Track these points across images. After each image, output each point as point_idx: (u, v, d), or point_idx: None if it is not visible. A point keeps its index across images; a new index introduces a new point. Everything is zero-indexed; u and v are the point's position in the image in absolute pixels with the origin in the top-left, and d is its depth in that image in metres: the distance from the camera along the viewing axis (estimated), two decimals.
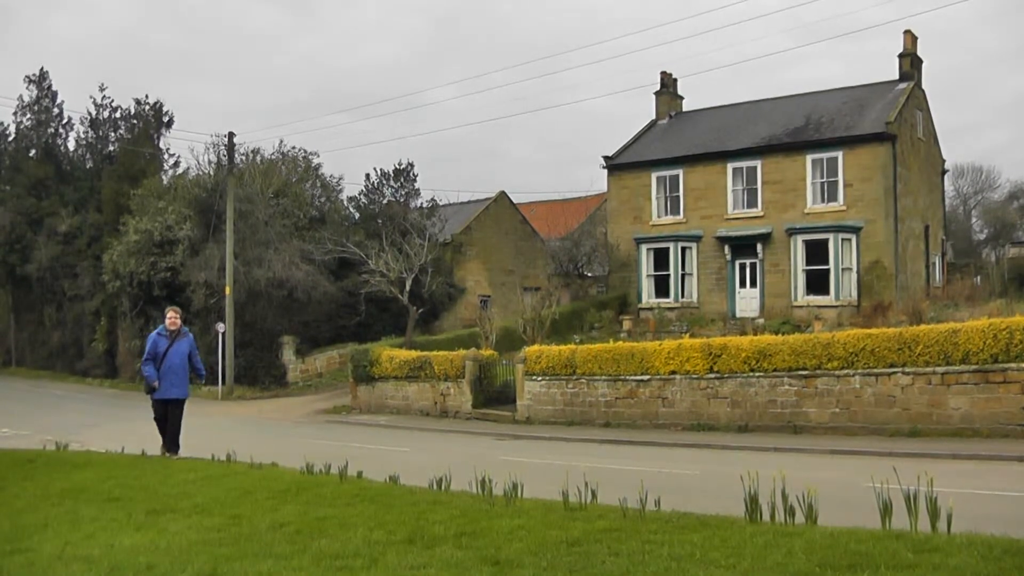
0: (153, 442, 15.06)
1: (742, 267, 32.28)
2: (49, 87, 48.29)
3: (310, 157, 40.53)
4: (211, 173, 37.89)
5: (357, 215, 40.90)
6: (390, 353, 26.80)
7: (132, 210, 37.48)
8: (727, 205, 32.65)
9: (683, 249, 32.99)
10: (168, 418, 12.83)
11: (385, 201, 40.42)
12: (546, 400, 21.74)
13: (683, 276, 32.97)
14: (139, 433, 18.37)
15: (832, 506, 7.01)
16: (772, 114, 34.25)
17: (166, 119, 45.24)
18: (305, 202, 38.12)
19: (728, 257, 32.38)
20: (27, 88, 48.18)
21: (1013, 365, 15.32)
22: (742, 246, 32.09)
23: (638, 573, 5.04)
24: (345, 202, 41.49)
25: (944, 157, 37.30)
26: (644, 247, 33.72)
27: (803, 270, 30.38)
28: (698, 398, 19.12)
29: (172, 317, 12.89)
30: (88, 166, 46.50)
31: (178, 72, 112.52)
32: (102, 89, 45.88)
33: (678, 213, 33.77)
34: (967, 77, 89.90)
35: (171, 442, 12.84)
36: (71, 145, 48.19)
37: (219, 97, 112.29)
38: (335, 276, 36.18)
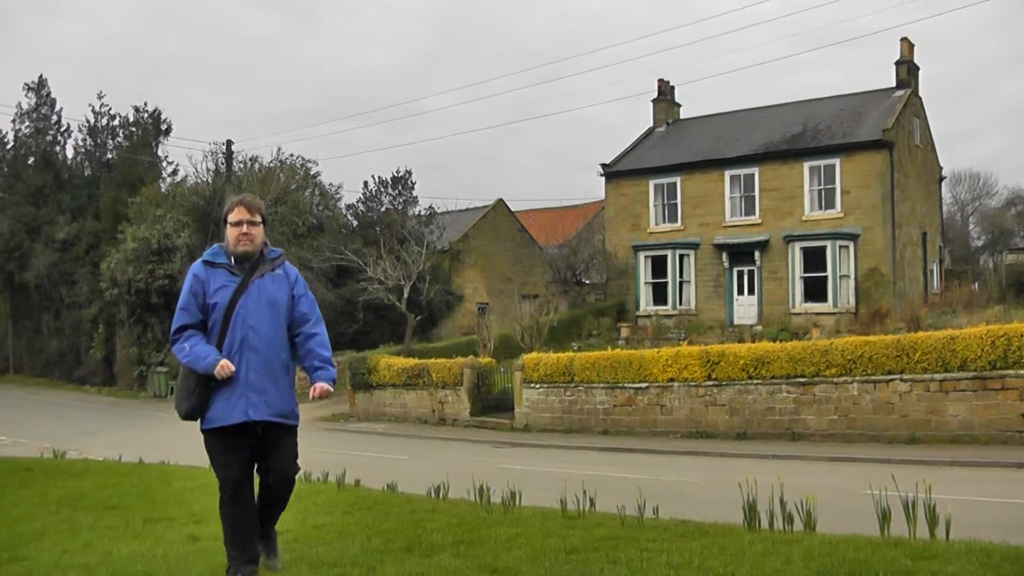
0: (152, 448, 15.01)
1: (740, 274, 32.30)
2: (48, 94, 48.35)
3: (308, 165, 40.50)
4: (209, 181, 37.90)
5: (355, 223, 40.88)
6: (388, 361, 26.78)
7: (130, 218, 37.46)
8: (725, 212, 32.68)
9: (681, 257, 33.01)
10: (262, 485, 5.22)
11: (383, 209, 40.42)
12: (544, 408, 21.72)
13: (681, 283, 32.99)
14: (137, 441, 18.37)
15: (830, 513, 7.01)
16: (769, 121, 34.33)
17: (164, 127, 45.29)
18: (303, 210, 38.11)
19: (726, 264, 32.41)
20: (26, 95, 48.28)
21: (1011, 372, 15.34)
22: (740, 253, 32.11)
23: None
24: (343, 210, 41.49)
25: (941, 164, 37.39)
26: (642, 255, 33.74)
27: (801, 277, 30.41)
28: (696, 405, 19.11)
29: (241, 221, 5.09)
30: (86, 174, 46.52)
31: (177, 79, 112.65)
32: (100, 96, 46.21)
33: (676, 221, 33.80)
34: (964, 84, 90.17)
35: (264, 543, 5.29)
36: (69, 153, 48.28)
37: (218, 104, 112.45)
38: (333, 284, 36.17)
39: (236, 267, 5.11)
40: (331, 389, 5.18)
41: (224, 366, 4.88)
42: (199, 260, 5.24)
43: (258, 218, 5.13)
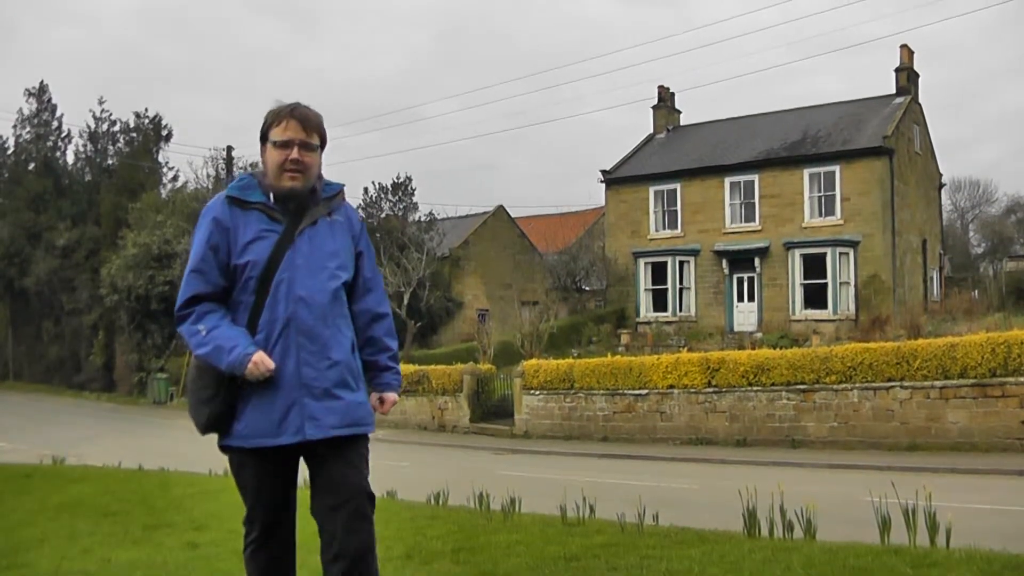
0: (152, 454, 15.00)
1: (740, 281, 32.29)
2: (49, 100, 48.39)
3: None
4: (210, 187, 38.00)
5: None
6: None
7: (130, 224, 37.53)
8: (725, 219, 32.69)
9: (681, 263, 33.01)
10: (321, 521, 3.34)
11: (383, 215, 40.44)
12: (544, 414, 21.69)
13: (681, 290, 32.98)
14: (136, 447, 18.35)
15: (831, 521, 7.00)
16: (769, 128, 34.35)
17: (165, 132, 45.35)
18: None
19: (726, 271, 32.41)
20: (27, 101, 48.31)
21: (1011, 379, 15.31)
22: (740, 260, 32.12)
23: None
24: None
25: (941, 171, 37.41)
26: (642, 261, 33.74)
27: (801, 284, 30.40)
28: (696, 412, 19.09)
29: (291, 141, 3.34)
30: (87, 179, 46.54)
31: (178, 84, 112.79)
32: (101, 102, 46.09)
33: (676, 227, 33.82)
34: (964, 91, 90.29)
35: None
36: (70, 158, 48.29)
37: (219, 110, 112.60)
38: None
39: (277, 209, 3.37)
40: (396, 402, 3.64)
41: (259, 363, 3.18)
42: (219, 196, 3.46)
43: (315, 140, 3.44)
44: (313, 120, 3.43)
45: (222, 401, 3.28)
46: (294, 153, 3.34)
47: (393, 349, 3.64)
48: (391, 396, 3.58)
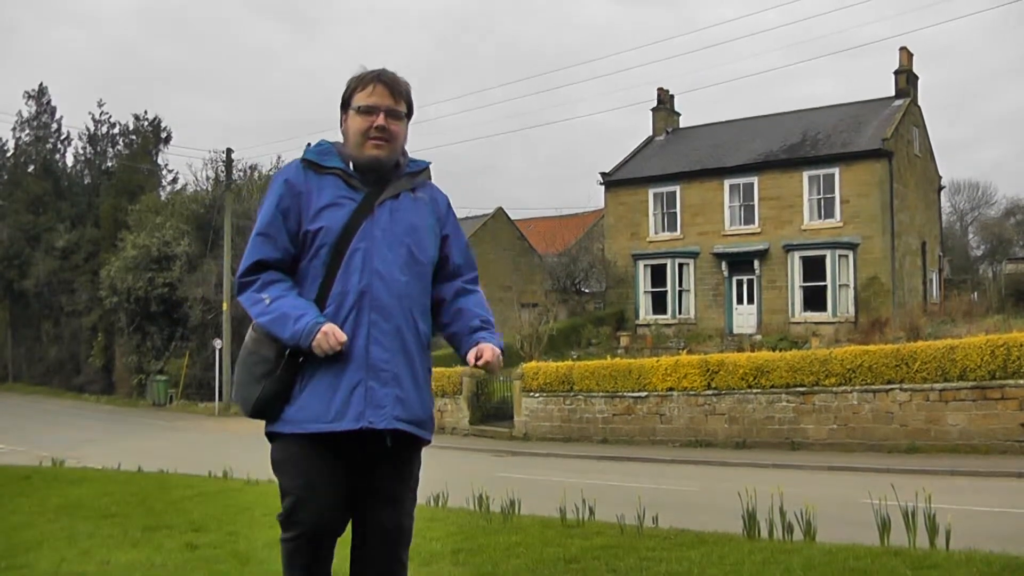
0: (151, 456, 15.00)
1: (739, 283, 32.29)
2: (48, 102, 48.53)
3: None
4: (209, 189, 38.04)
5: None
6: None
7: (130, 225, 37.58)
8: (724, 221, 32.70)
9: (680, 265, 33.01)
10: (356, 538, 3.09)
11: None
12: (543, 416, 21.69)
13: (680, 292, 32.98)
14: (135, 449, 18.34)
15: (830, 522, 7.00)
16: (769, 131, 34.35)
17: (164, 135, 45.50)
18: None
19: (725, 273, 32.41)
20: (26, 103, 48.55)
21: (1011, 381, 15.32)
22: (739, 262, 32.12)
23: None
24: None
25: (940, 173, 37.43)
26: (641, 263, 33.74)
27: (800, 286, 30.40)
28: (696, 414, 19.09)
29: (376, 108, 3.04)
30: (86, 182, 46.66)
31: (178, 85, 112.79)
32: (100, 105, 46.33)
33: (675, 229, 33.82)
34: (963, 93, 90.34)
35: None
36: (69, 161, 48.45)
37: (219, 111, 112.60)
38: None
39: (357, 177, 3.08)
40: (500, 359, 3.19)
41: (329, 335, 2.85)
42: (294, 160, 3.18)
43: (403, 108, 3.13)
44: (402, 86, 3.14)
45: (279, 379, 2.92)
46: (379, 120, 3.05)
47: (487, 316, 3.29)
48: (488, 346, 3.12)
